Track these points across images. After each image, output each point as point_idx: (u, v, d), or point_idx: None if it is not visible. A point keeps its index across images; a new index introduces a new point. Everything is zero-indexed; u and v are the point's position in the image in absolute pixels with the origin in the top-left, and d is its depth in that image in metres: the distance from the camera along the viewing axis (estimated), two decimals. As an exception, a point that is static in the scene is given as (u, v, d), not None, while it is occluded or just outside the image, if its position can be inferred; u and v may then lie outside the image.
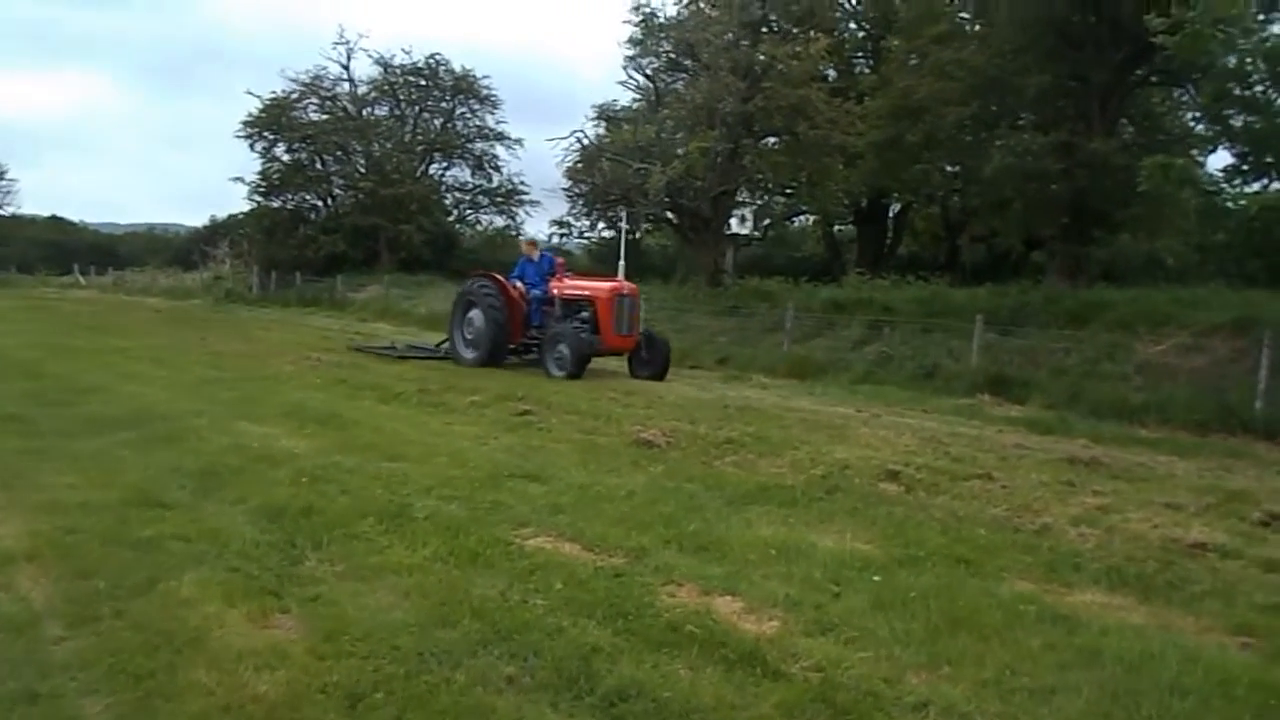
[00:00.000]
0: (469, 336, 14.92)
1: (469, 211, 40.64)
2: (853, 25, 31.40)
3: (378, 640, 3.88)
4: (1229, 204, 11.89)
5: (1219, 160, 14.25)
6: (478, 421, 9.31)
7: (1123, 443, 10.03)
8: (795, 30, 25.03)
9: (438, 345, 16.29)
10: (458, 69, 37.83)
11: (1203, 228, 12.24)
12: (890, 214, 33.18)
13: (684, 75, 27.72)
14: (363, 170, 36.77)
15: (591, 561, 4.97)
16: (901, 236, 34.22)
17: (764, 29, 25.03)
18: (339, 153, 37.27)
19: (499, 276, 15.02)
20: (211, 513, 5.75)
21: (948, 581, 4.81)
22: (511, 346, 14.92)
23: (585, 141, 26.78)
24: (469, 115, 38.77)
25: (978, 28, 22.20)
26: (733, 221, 25.00)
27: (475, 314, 14.81)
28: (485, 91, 38.07)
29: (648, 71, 28.70)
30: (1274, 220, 10.96)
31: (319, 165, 37.74)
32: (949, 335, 15.71)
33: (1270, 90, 12.24)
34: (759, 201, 30.64)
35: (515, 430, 8.82)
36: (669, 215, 26.65)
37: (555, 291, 14.79)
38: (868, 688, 3.57)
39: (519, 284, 14.91)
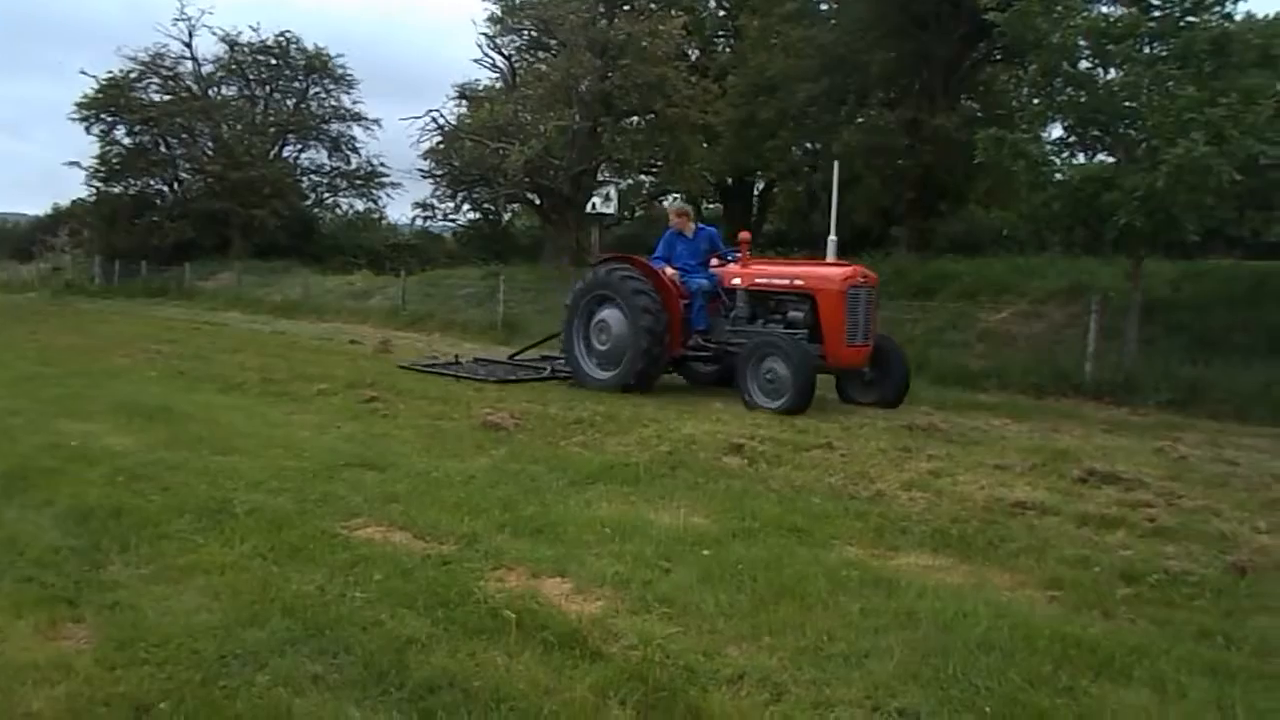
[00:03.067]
0: (602, 347, 10.78)
1: (327, 195, 39.32)
2: (712, 4, 31.64)
3: (176, 645, 3.64)
4: (1058, 175, 12.48)
5: (1055, 134, 14.92)
6: (321, 410, 8.98)
7: (963, 408, 10.42)
8: (653, 7, 25.05)
9: (512, 356, 12.93)
10: (310, 47, 36.44)
11: (1032, 198, 12.80)
12: (755, 191, 33.71)
13: (545, 53, 27.44)
14: (210, 153, 35.03)
15: (420, 550, 4.81)
16: (766, 213, 34.81)
17: (623, 6, 24.97)
18: (184, 135, 35.38)
19: (644, 260, 10.89)
20: (12, 519, 5.33)
21: (778, 552, 4.85)
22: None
23: (441, 121, 26.22)
24: (323, 95, 37.40)
25: (826, 6, 22.67)
26: (596, 201, 24.84)
27: (610, 315, 10.67)
28: (340, 71, 36.78)
29: (505, 51, 28.30)
30: (1096, 190, 11.55)
31: (163, 148, 35.79)
32: (805, 309, 16.00)
33: (1095, 66, 12.86)
34: (625, 181, 30.64)
35: (359, 418, 8.54)
36: (530, 196, 26.36)
37: (738, 282, 10.62)
38: (686, 663, 3.54)
39: (668, 270, 10.84)
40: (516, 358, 12.84)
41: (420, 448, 7.27)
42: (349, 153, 37.97)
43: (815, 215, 23.73)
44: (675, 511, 5.61)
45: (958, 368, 12.73)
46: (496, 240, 34.40)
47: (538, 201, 26.75)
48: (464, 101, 29.27)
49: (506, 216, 35.90)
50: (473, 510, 5.47)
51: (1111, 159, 12.60)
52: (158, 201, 36.34)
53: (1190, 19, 11.83)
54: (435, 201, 30.97)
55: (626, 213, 33.93)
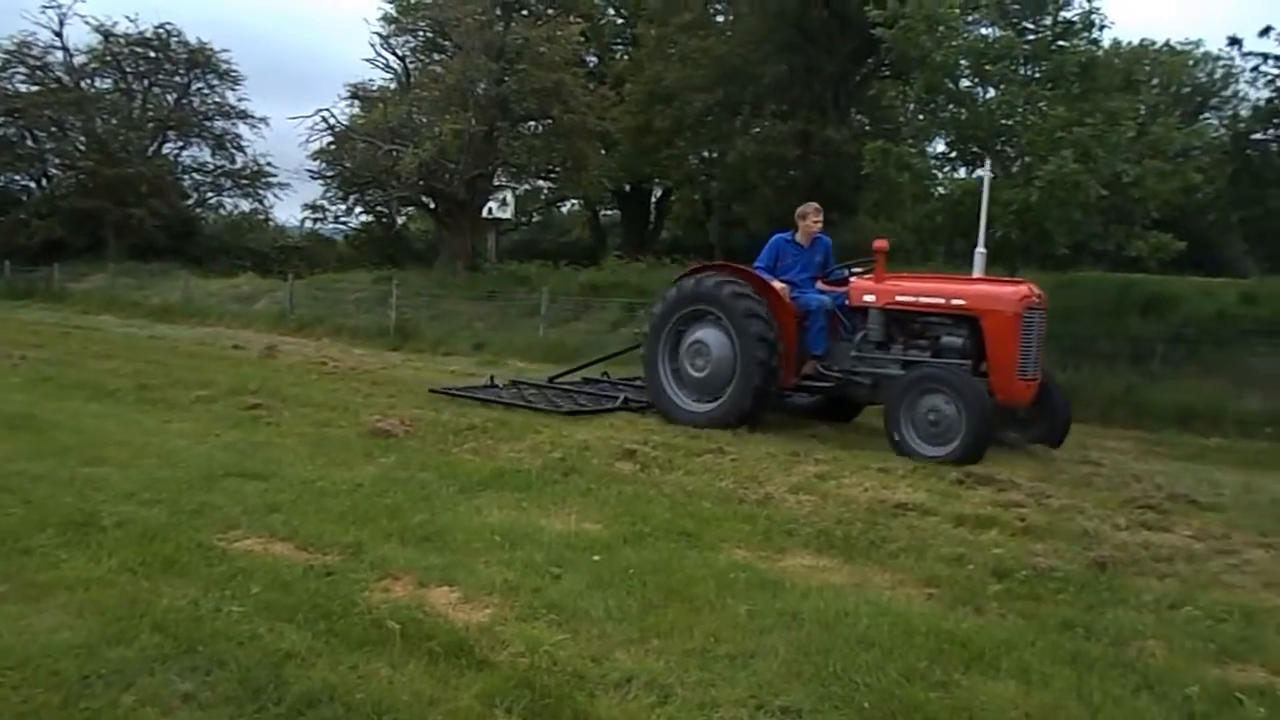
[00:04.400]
0: (698, 374, 9.13)
1: (210, 194, 37.95)
2: (610, 11, 31.80)
3: (34, 667, 3.44)
4: (940, 188, 13.00)
5: (939, 148, 15.50)
6: (200, 418, 8.63)
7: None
8: (551, 12, 25.02)
9: (552, 379, 11.13)
10: (192, 40, 35.09)
11: (916, 210, 13.30)
12: (653, 199, 34.00)
13: (440, 55, 27.11)
14: (83, 148, 33.44)
15: (303, 561, 4.67)
16: (663, 221, 35.14)
17: (520, 10, 24.88)
18: (54, 129, 33.62)
19: (753, 271, 9.21)
20: None
21: (668, 556, 4.89)
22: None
23: (332, 121, 25.64)
24: (207, 91, 36.05)
25: (722, 18, 23.06)
26: (492, 205, 24.64)
27: (709, 335, 9.07)
28: (225, 66, 35.51)
29: (400, 51, 27.88)
30: (975, 204, 12.06)
31: (30, 142, 34.01)
32: (699, 315, 16.18)
33: (975, 85, 13.44)
34: (523, 186, 30.48)
35: (241, 426, 8.24)
36: (425, 199, 26.00)
37: (870, 299, 8.80)
38: (574, 668, 3.53)
39: (777, 284, 9.10)
40: (558, 380, 11.20)
41: (305, 456, 7.05)
42: (234, 151, 36.74)
43: (711, 223, 24.03)
44: (566, 517, 5.60)
45: (846, 374, 13.01)
46: (390, 244, 33.74)
47: (432, 205, 26.37)
48: (356, 102, 28.65)
49: (400, 220, 35.30)
50: (359, 519, 5.34)
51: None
52: (23, 198, 34.54)
53: (1061, 44, 12.50)
54: (326, 203, 30.28)
55: (524, 218, 33.76)
